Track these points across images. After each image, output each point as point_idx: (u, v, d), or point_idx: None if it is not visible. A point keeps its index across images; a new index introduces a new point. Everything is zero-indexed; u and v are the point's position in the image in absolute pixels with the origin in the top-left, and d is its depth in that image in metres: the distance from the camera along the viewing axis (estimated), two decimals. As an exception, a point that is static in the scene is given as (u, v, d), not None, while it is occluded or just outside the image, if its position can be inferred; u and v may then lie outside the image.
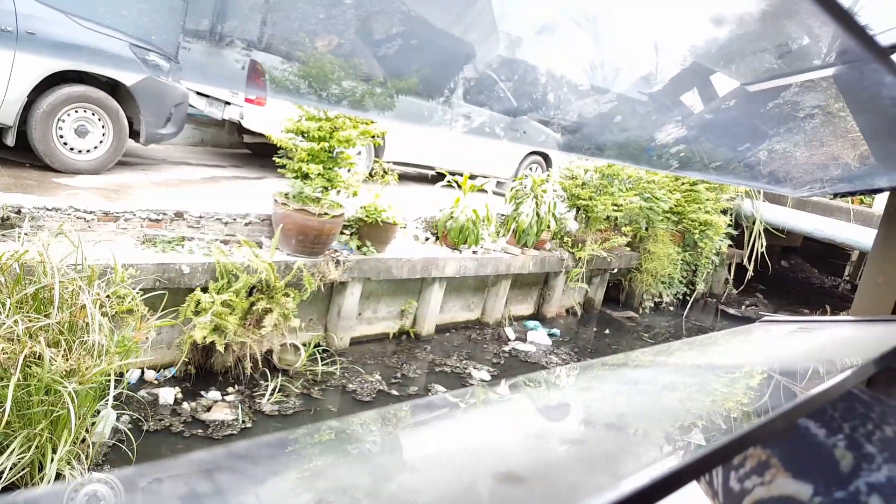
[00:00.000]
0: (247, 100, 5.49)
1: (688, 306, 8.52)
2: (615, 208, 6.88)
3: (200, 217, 4.32)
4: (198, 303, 3.83)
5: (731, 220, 8.59)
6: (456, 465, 0.21)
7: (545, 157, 8.29)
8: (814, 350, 0.45)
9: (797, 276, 11.23)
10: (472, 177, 6.04)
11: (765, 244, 8.88)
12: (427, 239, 5.81)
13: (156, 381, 3.98)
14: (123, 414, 3.42)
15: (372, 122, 4.50)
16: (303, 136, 4.40)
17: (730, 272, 9.46)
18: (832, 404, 0.37)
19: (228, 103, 5.65)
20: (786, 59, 0.49)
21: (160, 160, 5.80)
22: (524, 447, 0.22)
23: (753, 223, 8.90)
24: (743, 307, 9.42)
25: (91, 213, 3.82)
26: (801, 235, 9.53)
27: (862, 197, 8.82)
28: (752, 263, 8.94)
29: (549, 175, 6.76)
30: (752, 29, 0.48)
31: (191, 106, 5.55)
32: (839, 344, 0.46)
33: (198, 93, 5.80)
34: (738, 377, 0.34)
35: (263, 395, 4.12)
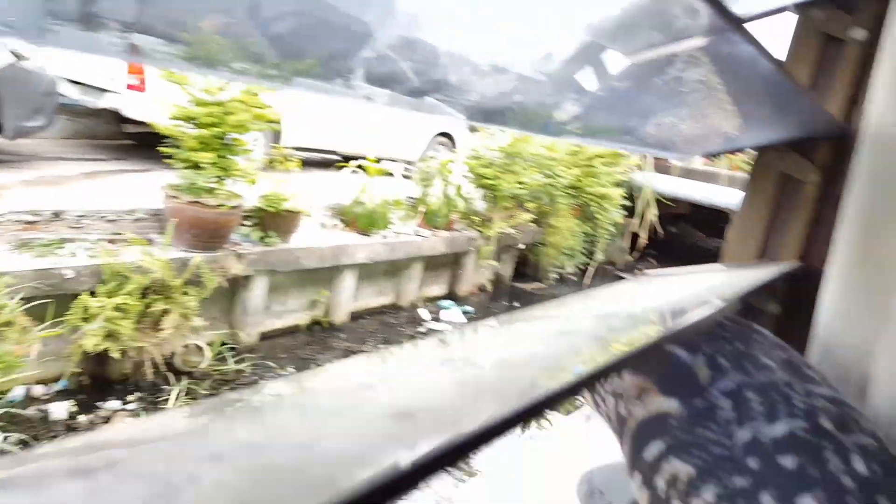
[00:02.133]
0: (127, 86, 5.09)
1: (589, 275, 8.93)
2: (519, 186, 7.07)
3: (82, 216, 3.99)
4: (86, 309, 3.54)
5: (625, 193, 9.05)
6: (351, 406, 0.23)
7: (451, 137, 8.34)
8: (685, 291, 0.51)
9: (686, 240, 12.03)
10: (378, 161, 5.96)
11: (656, 213, 9.42)
12: (335, 226, 5.69)
13: (45, 396, 3.66)
14: (10, 434, 3.13)
15: (267, 107, 4.31)
16: (191, 123, 4.14)
17: (625, 241, 9.98)
18: (697, 335, 0.42)
19: (105, 90, 5.21)
20: (668, 33, 0.52)
21: (31, 156, 5.28)
22: (418, 389, 0.25)
23: (645, 194, 9.41)
24: (636, 272, 10.00)
25: (-50, 218, 3.42)
26: (688, 203, 10.18)
27: (741, 163, 9.56)
28: (645, 232, 9.47)
29: (455, 156, 6.82)
30: (640, 4, 0.50)
31: (62, 95, 5.08)
32: (707, 286, 0.52)
33: (69, 80, 5.31)
34: (617, 316, 0.40)
35: (167, 399, 3.90)
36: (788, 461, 0.33)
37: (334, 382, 0.28)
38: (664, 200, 9.59)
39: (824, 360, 0.55)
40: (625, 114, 0.62)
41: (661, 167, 10.43)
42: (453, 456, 0.18)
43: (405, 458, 0.17)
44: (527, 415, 0.22)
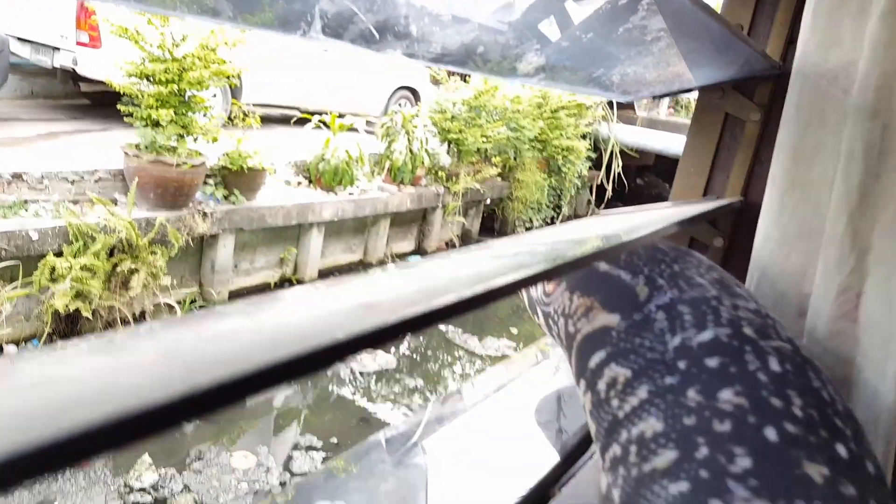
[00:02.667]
0: (79, 43, 4.95)
1: (557, 228, 9.06)
2: (485, 140, 7.07)
3: (43, 177, 3.95)
4: (53, 269, 3.55)
5: (590, 145, 9.12)
6: (322, 303, 0.26)
7: (414, 91, 8.26)
8: (633, 223, 0.55)
9: (651, 191, 12.21)
10: (341, 116, 5.92)
11: (621, 165, 9.54)
12: (300, 183, 5.69)
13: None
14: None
15: (226, 62, 4.26)
16: (148, 80, 4.08)
17: (591, 193, 10.11)
18: (639, 256, 0.46)
19: (57, 49, 5.06)
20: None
21: (-16, 118, 5.15)
22: (383, 290, 0.28)
23: (611, 146, 9.51)
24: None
25: None
26: (653, 154, 10.30)
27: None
28: (611, 184, 9.60)
29: (418, 110, 6.79)
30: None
31: (13, 54, 4.92)
32: (653, 218, 0.56)
33: (20, 39, 5.15)
34: (566, 242, 0.43)
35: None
36: (712, 362, 0.37)
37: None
38: (629, 152, 9.68)
39: (762, 285, 0.58)
40: (585, 61, 0.64)
41: (626, 118, 10.49)
42: (412, 325, 0.22)
43: (374, 322, 0.20)
44: (476, 301, 0.25)
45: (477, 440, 0.81)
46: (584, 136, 9.04)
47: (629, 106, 10.89)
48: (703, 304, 0.41)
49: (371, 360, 4.49)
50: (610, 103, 9.47)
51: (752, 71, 0.77)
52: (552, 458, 0.71)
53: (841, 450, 0.33)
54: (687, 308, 0.41)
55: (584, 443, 0.75)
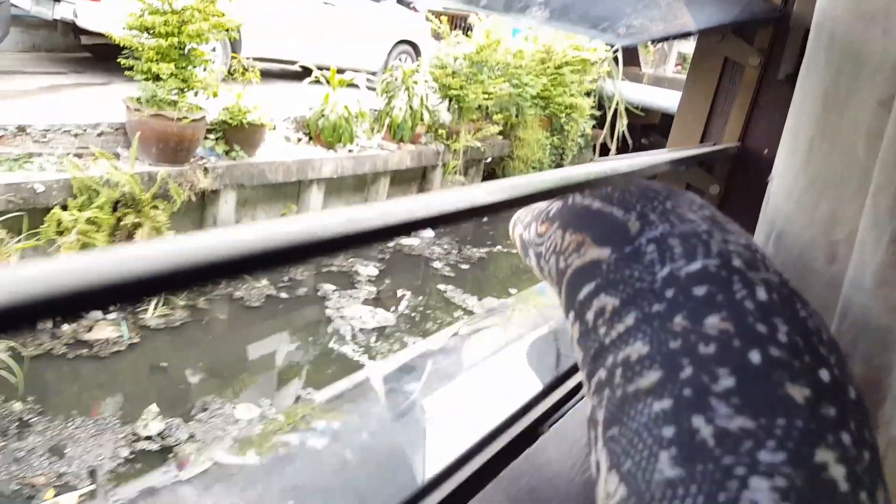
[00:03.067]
0: (78, -6, 4.90)
1: (558, 187, 9.04)
2: (486, 97, 6.99)
3: (46, 130, 3.97)
4: (59, 222, 3.62)
5: (594, 102, 9.00)
6: None
7: (414, 46, 8.13)
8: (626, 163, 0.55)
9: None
10: (341, 71, 5.87)
11: (626, 123, 9.44)
12: (300, 140, 5.68)
13: (25, 309, 3.80)
14: (-4, 343, 3.29)
15: (224, 15, 4.22)
16: (148, 33, 4.06)
17: (594, 152, 10.05)
18: (632, 194, 0.47)
19: (58, 0, 5.01)
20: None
21: (-15, 70, 5.13)
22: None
23: (615, 103, 9.40)
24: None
25: None
26: (659, 112, 10.18)
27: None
28: (615, 143, 9.54)
29: (419, 65, 6.71)
30: None
31: (14, 6, 4.87)
32: (648, 162, 0.56)
33: (18, -10, 5.08)
34: (558, 176, 0.44)
35: (146, 310, 4.06)
36: (700, 290, 0.37)
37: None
38: (634, 110, 9.57)
39: (785, 235, 0.58)
40: (588, 3, 0.64)
41: (632, 75, 10.31)
42: (399, 229, 0.25)
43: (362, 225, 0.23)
44: (470, 212, 0.28)
45: (468, 387, 0.83)
46: (588, 94, 8.92)
47: (635, 62, 10.70)
48: (694, 238, 0.41)
49: (370, 318, 4.59)
50: (615, 59, 9.32)
51: (752, 14, 0.75)
52: (542, 398, 0.73)
53: (824, 374, 0.34)
54: (677, 241, 0.41)
55: (573, 383, 0.77)
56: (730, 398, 0.32)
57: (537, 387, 0.75)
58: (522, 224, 0.62)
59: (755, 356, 0.34)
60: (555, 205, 0.56)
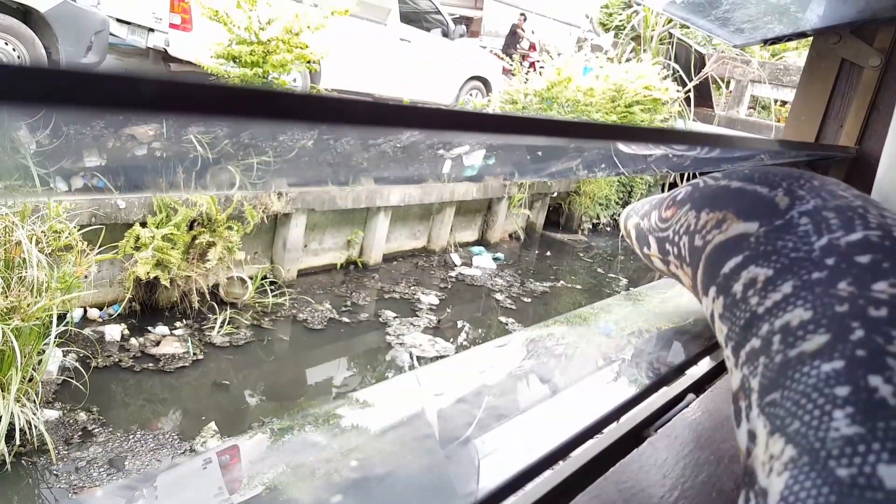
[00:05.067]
0: (171, 25, 5.19)
1: (624, 227, 8.84)
2: (554, 132, 6.95)
3: (132, 151, 4.17)
4: (137, 238, 3.76)
5: (664, 142, 8.84)
6: None
7: (485, 82, 8.23)
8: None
9: (726, 194, 11.75)
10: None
11: (696, 164, 9.21)
12: (369, 168, 5.77)
13: (100, 319, 3.94)
14: (70, 352, 3.40)
15: (307, 46, 4.37)
16: (234, 62, 4.24)
17: (663, 191, 9.81)
18: (774, 174, 0.47)
19: (152, 30, 5.32)
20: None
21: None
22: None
23: (686, 144, 9.19)
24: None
25: (13, 148, 3.63)
26: (730, 155, 9.89)
27: (781, 115, 9.23)
28: (684, 183, 9.29)
29: (489, 100, 6.76)
30: None
31: (112, 35, 5.21)
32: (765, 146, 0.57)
33: (118, 20, 5.43)
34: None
35: (213, 327, 4.14)
36: (864, 258, 0.37)
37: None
38: (705, 152, 9.33)
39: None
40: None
41: (704, 116, 10.12)
42: None
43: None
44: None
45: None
46: (658, 133, 8.77)
47: (707, 103, 10.50)
48: (850, 211, 0.41)
49: (430, 346, 4.53)
50: (687, 99, 9.16)
51: (873, 14, 0.72)
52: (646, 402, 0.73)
53: None
54: (832, 214, 0.41)
55: (678, 389, 0.76)
56: None
57: (642, 391, 0.75)
58: (638, 215, 0.64)
59: None
60: (681, 190, 0.57)
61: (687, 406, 0.74)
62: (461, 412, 0.56)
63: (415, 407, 0.54)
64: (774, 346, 0.37)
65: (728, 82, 11.54)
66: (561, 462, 0.56)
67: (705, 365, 0.76)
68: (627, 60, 8.62)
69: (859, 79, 0.78)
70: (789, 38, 0.83)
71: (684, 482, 0.59)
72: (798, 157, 0.77)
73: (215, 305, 4.27)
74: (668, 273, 0.58)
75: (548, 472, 0.54)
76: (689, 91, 9.18)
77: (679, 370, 0.74)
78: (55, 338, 2.85)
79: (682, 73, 9.02)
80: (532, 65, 9.14)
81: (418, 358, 4.39)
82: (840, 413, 0.30)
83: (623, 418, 0.65)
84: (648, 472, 0.59)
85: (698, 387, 0.72)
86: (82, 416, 3.18)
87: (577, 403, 0.69)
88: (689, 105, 9.25)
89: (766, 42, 0.86)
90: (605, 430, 0.64)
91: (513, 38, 10.10)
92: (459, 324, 5.06)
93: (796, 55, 11.11)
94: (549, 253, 7.42)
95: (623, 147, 0.38)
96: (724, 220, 0.47)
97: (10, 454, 2.71)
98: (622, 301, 0.89)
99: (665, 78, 8.52)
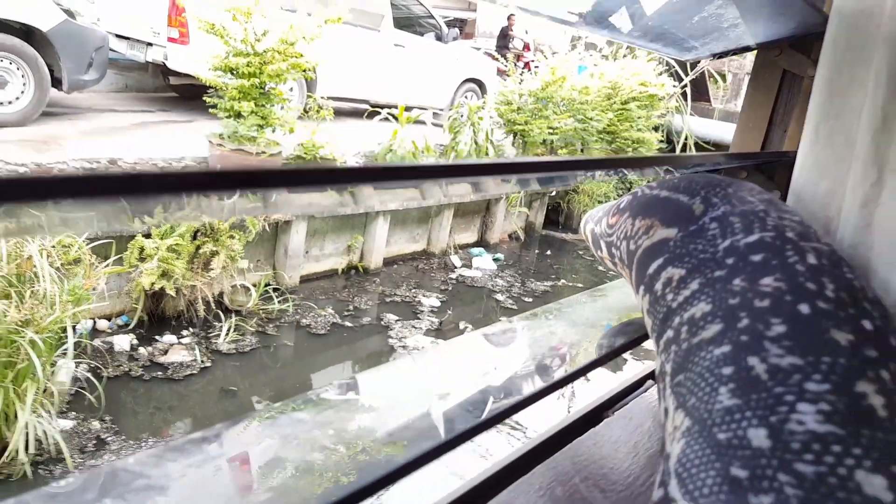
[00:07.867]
0: (169, 39, 5.28)
1: (624, 223, 8.87)
2: (550, 131, 7.02)
3: (135, 163, 4.26)
4: (141, 249, 3.84)
5: (662, 136, 8.87)
6: None
7: (480, 84, 8.29)
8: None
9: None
10: (408, 108, 6.04)
11: (694, 158, 9.22)
12: (368, 173, 5.83)
13: (109, 330, 4.03)
14: (81, 363, 3.48)
15: (302, 56, 4.45)
16: (232, 74, 4.32)
17: (662, 188, 9.84)
18: (697, 183, 0.52)
19: (151, 44, 5.41)
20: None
21: (86, 109, 5.57)
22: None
23: (684, 138, 9.23)
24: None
25: (22, 165, 3.72)
26: (728, 146, 9.91)
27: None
28: (683, 178, 9.30)
29: (484, 102, 6.82)
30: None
31: (112, 50, 5.30)
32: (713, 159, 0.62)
33: (117, 35, 5.53)
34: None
35: (219, 335, 4.22)
36: (757, 257, 0.42)
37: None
38: (704, 146, 9.37)
39: (798, 205, 0.63)
40: (665, 42, 0.71)
41: (701, 110, 10.13)
42: None
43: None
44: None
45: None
46: (655, 128, 8.80)
47: (704, 97, 10.51)
48: (752, 215, 0.47)
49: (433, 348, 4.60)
50: (684, 94, 9.18)
51: (807, 28, 0.79)
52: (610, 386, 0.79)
53: (867, 324, 0.38)
54: (737, 218, 0.47)
55: (636, 373, 0.82)
56: (781, 341, 0.36)
57: (603, 375, 0.83)
58: (593, 221, 0.69)
59: (804, 307, 0.38)
60: (624, 199, 0.62)
61: (646, 391, 0.81)
62: (422, 394, 0.63)
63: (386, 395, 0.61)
64: (682, 336, 0.43)
65: (725, 76, 11.57)
66: (522, 437, 0.63)
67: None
68: (623, 57, 8.67)
69: (800, 88, 0.85)
70: (735, 52, 0.89)
71: (635, 456, 0.66)
72: (745, 163, 0.84)
73: (220, 313, 4.35)
74: (619, 273, 0.64)
75: (510, 449, 0.61)
76: (685, 86, 9.21)
77: (638, 359, 0.82)
78: (71, 349, 2.94)
79: (678, 68, 9.05)
80: (526, 65, 9.20)
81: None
82: (724, 388, 0.36)
83: (582, 401, 0.73)
84: (602, 447, 0.66)
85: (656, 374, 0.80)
86: (95, 424, 3.27)
87: (533, 383, 0.75)
88: (685, 100, 9.29)
89: (715, 56, 0.93)
90: (568, 413, 0.70)
91: (504, 39, 10.18)
92: (461, 325, 5.14)
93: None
94: (549, 252, 7.48)
95: None
96: (652, 226, 0.53)
97: (28, 462, 2.79)
98: (587, 298, 0.95)
99: (661, 74, 8.56)
